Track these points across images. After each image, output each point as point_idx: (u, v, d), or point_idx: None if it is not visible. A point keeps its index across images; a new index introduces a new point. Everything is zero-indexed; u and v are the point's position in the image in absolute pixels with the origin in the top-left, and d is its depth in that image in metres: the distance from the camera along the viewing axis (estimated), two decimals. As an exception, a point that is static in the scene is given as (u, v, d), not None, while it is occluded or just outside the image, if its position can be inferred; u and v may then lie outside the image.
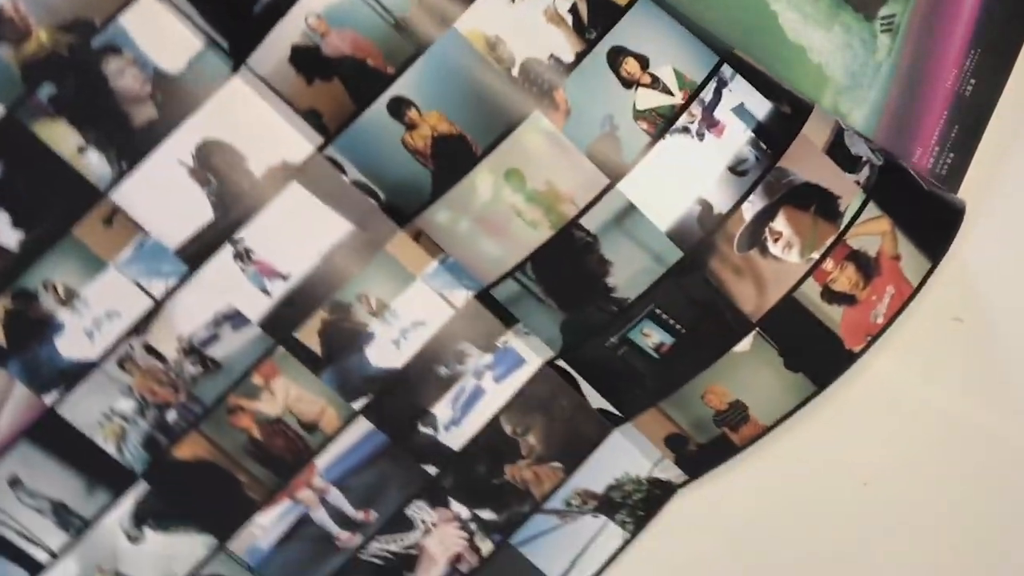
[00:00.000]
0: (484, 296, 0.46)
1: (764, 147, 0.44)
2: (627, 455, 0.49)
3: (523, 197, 0.44)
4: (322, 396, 0.46)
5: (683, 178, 0.44)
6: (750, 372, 0.47)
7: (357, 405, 0.46)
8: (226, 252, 0.44)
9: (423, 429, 0.47)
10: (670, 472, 0.49)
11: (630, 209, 0.44)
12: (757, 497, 0.52)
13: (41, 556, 0.46)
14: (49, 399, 0.44)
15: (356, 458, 0.47)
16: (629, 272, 0.45)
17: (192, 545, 0.47)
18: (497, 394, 0.47)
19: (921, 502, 0.52)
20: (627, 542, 0.49)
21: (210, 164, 0.44)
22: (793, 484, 0.52)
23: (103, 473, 0.45)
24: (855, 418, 0.52)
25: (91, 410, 0.45)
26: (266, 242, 0.45)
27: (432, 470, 0.47)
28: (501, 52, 0.42)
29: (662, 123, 0.44)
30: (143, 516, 0.46)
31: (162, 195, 0.44)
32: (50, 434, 0.45)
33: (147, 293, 0.44)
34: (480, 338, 0.47)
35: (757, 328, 0.46)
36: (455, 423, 0.47)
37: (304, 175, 0.44)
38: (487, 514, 0.48)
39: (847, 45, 0.51)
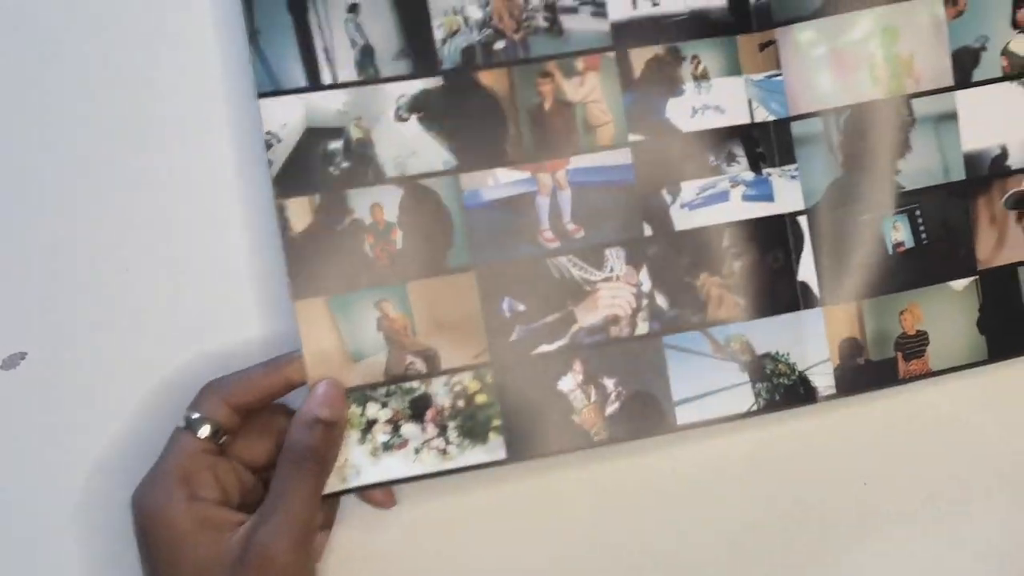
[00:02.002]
0: (783, 123, 0.51)
1: None
2: (799, 339, 0.51)
3: (884, 54, 0.50)
4: (614, 111, 0.50)
5: (1004, 121, 0.50)
6: (950, 311, 0.51)
7: (633, 137, 0.50)
8: None
9: (664, 194, 0.51)
10: (822, 380, 0.51)
11: (951, 117, 0.50)
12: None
13: (326, 74, 0.49)
14: None
15: (602, 177, 0.50)
16: (920, 165, 0.50)
17: (437, 154, 0.49)
18: (737, 209, 0.51)
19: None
20: (750, 413, 0.51)
21: None
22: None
23: (419, 50, 0.49)
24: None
25: None
26: None
27: (648, 231, 0.50)
28: None
29: (1018, 70, 0.50)
30: (420, 105, 0.49)
31: None
32: None
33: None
34: (754, 156, 0.51)
35: (977, 275, 0.50)
36: (691, 206, 0.51)
37: None
38: (662, 300, 0.50)
39: None
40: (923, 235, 0.50)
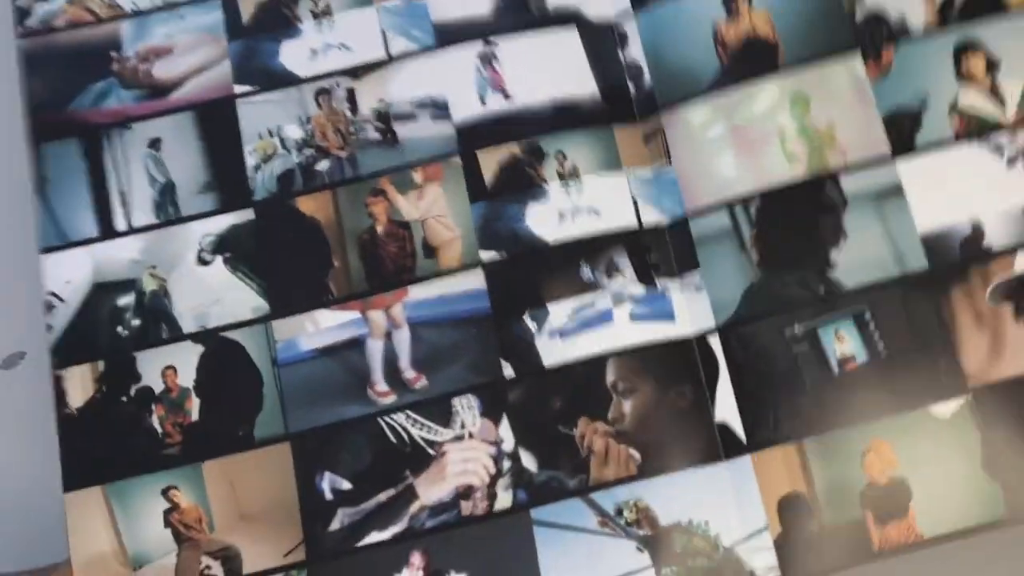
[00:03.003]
0: (678, 225, 0.41)
1: None
2: (721, 503, 0.38)
3: (797, 126, 0.42)
4: (460, 227, 0.41)
5: (968, 192, 0.40)
6: (936, 449, 0.38)
7: (485, 256, 0.41)
8: (474, 47, 0.43)
9: (528, 320, 0.40)
10: (760, 560, 0.37)
11: (896, 191, 0.40)
12: None
13: (119, 221, 0.43)
14: (239, 88, 0.44)
15: (448, 308, 0.41)
16: (860, 256, 0.40)
17: (244, 301, 0.42)
18: (623, 332, 0.40)
19: None
20: (655, 614, 0.37)
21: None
22: None
23: (227, 182, 0.43)
24: None
25: (263, 119, 0.44)
26: (514, 60, 0.43)
27: (509, 370, 0.40)
28: None
29: (975, 128, 0.40)
30: (226, 244, 0.42)
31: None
32: (213, 118, 0.44)
33: (387, 45, 0.44)
34: (644, 265, 0.40)
35: (971, 395, 0.38)
36: (562, 334, 0.40)
37: (588, 30, 0.44)
38: (530, 460, 0.39)
39: None
40: (879, 346, 0.39)
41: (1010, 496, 0.37)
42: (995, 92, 0.41)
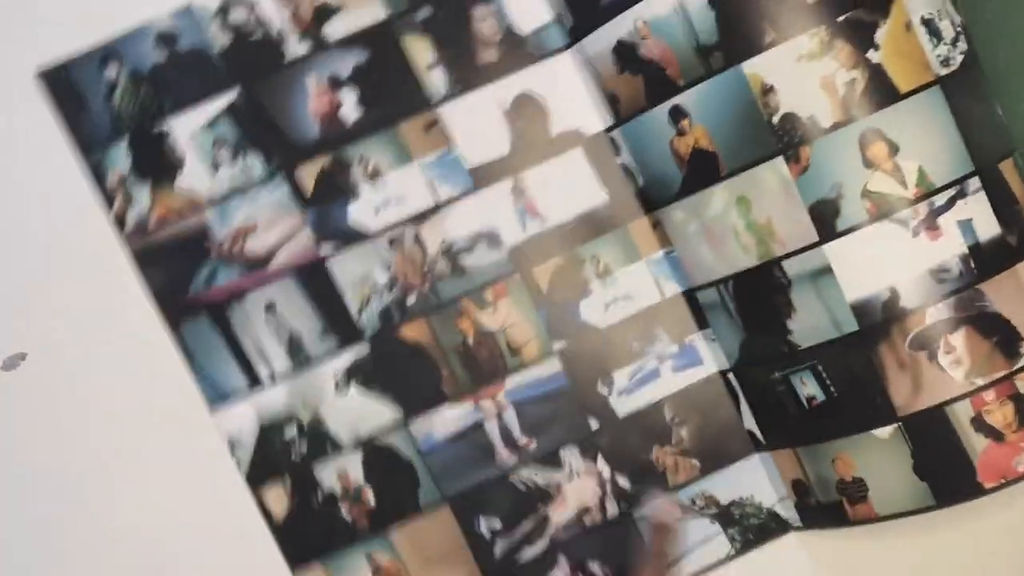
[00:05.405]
0: (689, 295, 0.53)
1: (972, 267, 0.47)
2: (758, 480, 0.54)
3: (744, 223, 0.49)
4: (532, 327, 0.53)
5: (883, 263, 0.47)
6: (881, 459, 0.49)
7: (556, 346, 0.54)
8: (506, 183, 0.53)
9: (600, 387, 0.54)
10: (790, 512, 0.54)
11: (826, 271, 0.48)
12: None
13: (263, 372, 0.53)
14: (324, 250, 0.53)
15: (538, 390, 0.54)
16: (808, 323, 0.49)
17: (383, 413, 0.53)
18: (670, 381, 0.54)
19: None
20: (729, 558, 0.55)
21: (521, 111, 0.53)
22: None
23: (339, 325, 0.53)
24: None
25: (352, 271, 0.53)
26: (539, 187, 0.53)
27: (594, 424, 0.54)
28: (770, 99, 0.47)
29: (885, 208, 0.47)
30: (354, 373, 0.53)
31: (477, 122, 0.53)
32: (313, 278, 0.52)
33: (434, 193, 0.53)
34: (674, 328, 0.54)
35: (900, 423, 0.48)
36: (627, 392, 0.54)
37: (588, 145, 0.53)
38: (624, 481, 0.54)
39: None
40: (831, 388, 0.49)
41: (938, 491, 0.49)
42: (897, 173, 0.46)
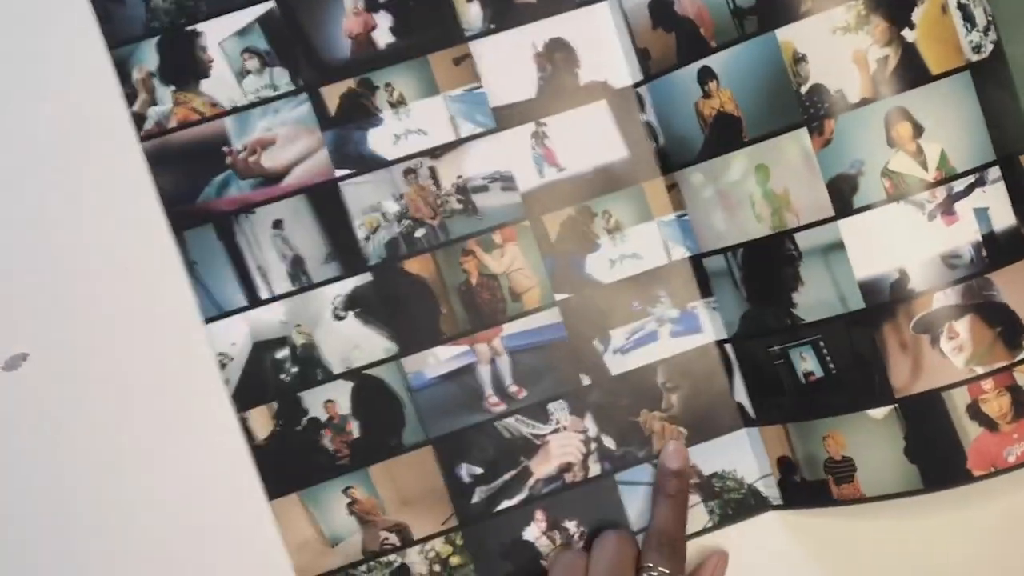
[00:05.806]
0: (696, 262, 0.53)
1: (984, 255, 0.47)
2: (743, 455, 0.54)
3: (761, 192, 0.49)
4: (537, 275, 0.53)
5: (896, 243, 0.48)
6: (872, 439, 0.49)
7: (558, 297, 0.53)
8: (528, 128, 0.53)
9: (596, 344, 0.54)
10: (771, 491, 0.54)
11: (838, 247, 0.48)
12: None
13: (263, 293, 0.52)
14: (339, 172, 0.53)
15: (535, 339, 0.53)
16: (814, 298, 0.49)
17: (377, 345, 0.53)
18: (666, 346, 0.54)
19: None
20: (706, 530, 0.54)
21: (553, 56, 0.53)
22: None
23: (344, 251, 0.53)
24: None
25: (364, 198, 0.53)
26: (560, 135, 0.53)
27: (586, 380, 0.54)
28: (800, 69, 0.47)
29: (903, 189, 0.47)
30: (354, 302, 0.53)
31: (507, 62, 0.53)
32: (324, 200, 0.52)
33: (456, 129, 0.53)
34: (677, 293, 0.54)
35: (896, 404, 0.48)
36: (622, 351, 0.54)
37: (613, 99, 0.54)
38: (609, 441, 0.54)
39: None
40: (831, 365, 0.49)
41: (927, 475, 0.49)
42: (919, 155, 0.47)
